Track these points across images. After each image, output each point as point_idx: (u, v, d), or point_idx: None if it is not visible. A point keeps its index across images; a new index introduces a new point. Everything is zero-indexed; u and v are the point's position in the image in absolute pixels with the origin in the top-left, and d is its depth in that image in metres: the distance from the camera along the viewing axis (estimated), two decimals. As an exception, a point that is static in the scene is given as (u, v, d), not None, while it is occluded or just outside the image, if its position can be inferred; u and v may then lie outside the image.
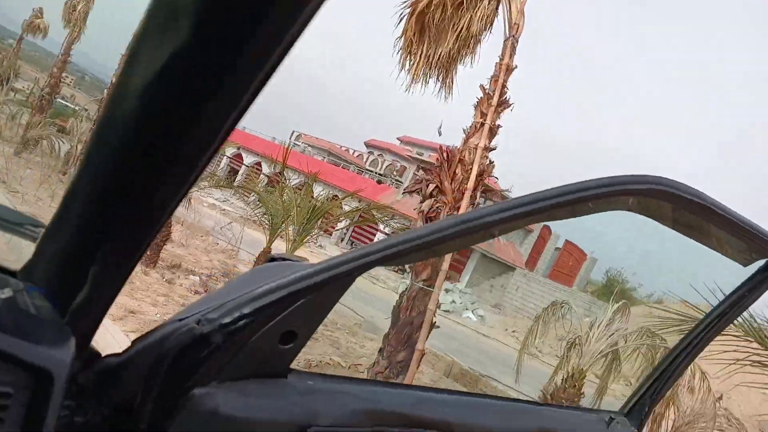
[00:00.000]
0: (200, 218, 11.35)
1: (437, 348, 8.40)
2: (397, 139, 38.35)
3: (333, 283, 0.80)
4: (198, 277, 7.51)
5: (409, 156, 32.43)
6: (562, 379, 4.40)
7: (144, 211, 0.59)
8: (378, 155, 36.10)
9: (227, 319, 0.70)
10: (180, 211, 8.85)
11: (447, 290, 20.43)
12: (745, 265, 1.34)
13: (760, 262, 1.30)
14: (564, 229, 30.17)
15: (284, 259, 0.99)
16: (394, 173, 32.29)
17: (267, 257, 1.10)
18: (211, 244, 11.04)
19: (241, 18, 0.45)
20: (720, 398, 4.18)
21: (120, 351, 0.70)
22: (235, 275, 8.53)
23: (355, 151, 38.22)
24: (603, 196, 0.99)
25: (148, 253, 6.94)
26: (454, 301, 19.27)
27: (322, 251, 21.27)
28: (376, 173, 32.14)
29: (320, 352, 5.98)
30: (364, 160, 36.28)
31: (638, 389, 1.66)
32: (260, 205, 8.27)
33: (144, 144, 0.55)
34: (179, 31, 0.47)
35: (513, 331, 18.26)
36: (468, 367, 7.78)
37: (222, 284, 7.60)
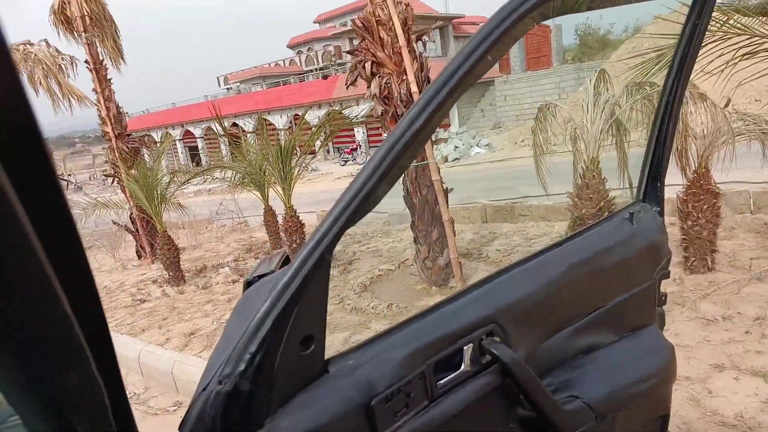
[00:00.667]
0: (194, 211, 11.22)
1: (464, 200, 8.55)
2: (315, 23, 35.74)
3: (313, 276, 0.80)
4: (226, 267, 7.62)
5: (333, 35, 30.38)
6: (581, 175, 4.44)
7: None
8: (308, 51, 34.01)
9: (242, 366, 0.72)
10: (174, 216, 8.76)
11: (445, 140, 20.30)
12: None
13: None
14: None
15: (260, 277, 1.01)
16: (333, 59, 30.58)
17: (244, 283, 1.08)
18: (219, 229, 11.07)
19: None
20: (727, 104, 4.14)
21: None
22: (254, 246, 8.64)
23: (285, 60, 36.04)
24: (506, 34, 0.93)
25: (171, 273, 7.02)
26: (456, 147, 19.22)
27: (317, 173, 21.17)
28: (316, 70, 30.53)
29: (367, 268, 6.16)
30: (299, 63, 34.31)
31: (644, 167, 1.64)
32: (235, 170, 8.08)
33: None
34: None
35: (523, 140, 18.33)
36: (498, 203, 7.94)
37: (250, 263, 7.75)
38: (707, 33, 3.44)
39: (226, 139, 8.38)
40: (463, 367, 1.05)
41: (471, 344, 1.07)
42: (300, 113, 25.37)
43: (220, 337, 0.83)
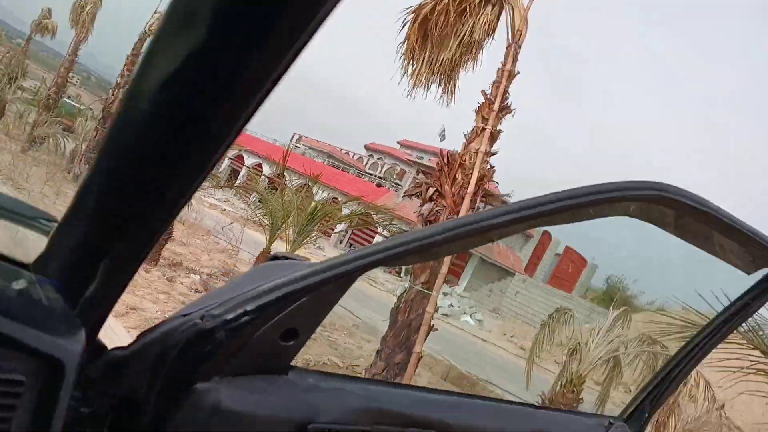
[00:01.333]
0: (201, 218, 11.39)
1: (435, 351, 8.42)
2: (398, 143, 38.43)
3: (334, 282, 0.81)
4: (198, 276, 7.54)
5: (409, 160, 32.51)
6: (561, 384, 4.43)
7: (154, 209, 0.62)
8: (378, 158, 36.16)
9: (230, 316, 0.71)
10: (182, 210, 8.86)
11: (445, 294, 20.44)
12: (748, 273, 1.31)
13: (764, 270, 1.28)
14: (565, 235, 30.19)
15: (286, 258, 1.00)
16: (394, 176, 32.34)
17: (269, 256, 1.12)
18: (212, 243, 11.08)
19: (255, 20, 0.46)
20: (723, 407, 4.19)
21: (126, 345, 0.72)
22: (234, 275, 8.56)
23: (355, 154, 38.29)
24: (604, 202, 0.99)
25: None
26: (452, 305, 19.27)
27: (321, 253, 21.32)
28: (375, 176, 32.18)
29: (318, 352, 6.01)
30: (364, 163, 36.35)
31: (638, 395, 1.64)
32: (260, 206, 8.33)
33: (156, 143, 0.58)
34: (195, 32, 0.49)
35: (511, 336, 18.26)
36: (466, 371, 7.80)
37: (222, 283, 7.65)
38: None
39: (269, 181, 8.71)
40: None
41: None
42: (339, 199, 26.31)
43: (227, 282, 0.87)
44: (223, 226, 10.92)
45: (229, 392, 0.76)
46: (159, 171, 0.59)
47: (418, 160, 30.47)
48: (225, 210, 17.20)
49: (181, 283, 6.86)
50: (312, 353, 5.94)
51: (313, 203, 7.45)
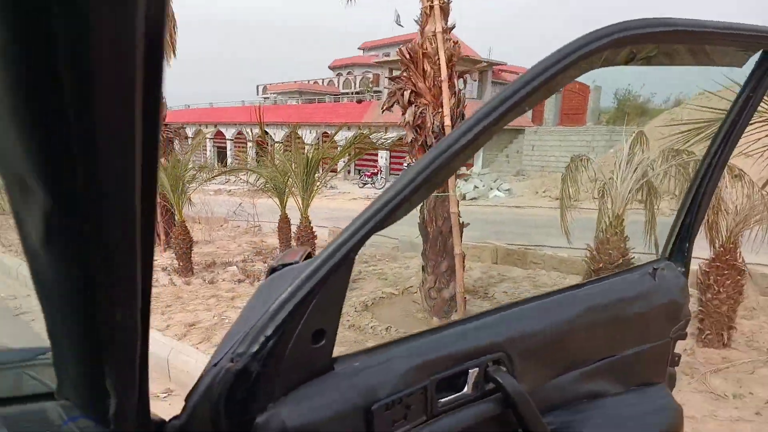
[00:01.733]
0: (212, 208, 11.36)
1: (476, 239, 8.51)
2: (359, 49, 36.63)
3: (336, 271, 0.82)
4: (235, 266, 7.65)
5: (377, 62, 31.12)
6: (602, 230, 4.41)
7: (124, 272, 0.52)
8: (347, 74, 34.76)
9: (255, 347, 0.74)
10: (191, 210, 8.87)
11: (466, 179, 20.37)
12: (741, 65, 1.31)
13: (755, 57, 1.28)
14: (557, 71, 29.06)
15: (284, 265, 1.01)
16: (370, 85, 31.20)
17: (267, 269, 1.09)
18: (233, 229, 11.16)
19: None
20: (765, 185, 4.11)
21: (178, 413, 0.74)
22: (264, 251, 8.67)
23: (324, 80, 36.86)
24: (573, 65, 0.93)
25: (181, 263, 7.06)
26: (476, 187, 19.26)
27: (335, 191, 21.35)
28: (352, 93, 31.13)
29: (371, 289, 6.13)
30: (337, 84, 35.06)
31: (674, 226, 1.62)
32: (258, 176, 8.23)
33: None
34: None
35: (544, 191, 18.30)
36: (510, 246, 7.89)
37: (257, 264, 7.77)
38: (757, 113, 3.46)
39: (255, 145, 8.58)
40: (465, 389, 1.04)
41: (476, 369, 1.06)
42: (329, 132, 25.80)
43: (237, 317, 0.84)
44: (234, 209, 10.93)
45: (288, 411, 0.79)
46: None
47: (386, 58, 29.13)
48: (230, 191, 17.13)
49: (223, 280, 6.98)
50: (366, 291, 6.07)
51: (303, 155, 7.24)
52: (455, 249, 5.12)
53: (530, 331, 1.20)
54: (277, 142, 24.22)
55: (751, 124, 3.47)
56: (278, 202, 7.92)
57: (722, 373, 3.62)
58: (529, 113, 27.46)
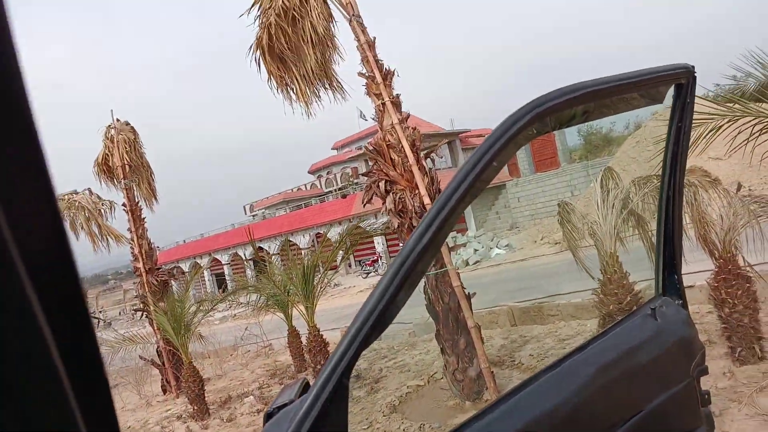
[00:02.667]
0: (219, 338, 11.16)
1: (489, 304, 8.36)
2: (333, 149, 38.19)
3: (332, 403, 0.80)
4: (251, 396, 7.35)
5: (351, 158, 32.40)
6: (602, 271, 4.37)
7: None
8: (327, 174, 35.93)
9: None
10: (198, 346, 8.68)
11: (464, 245, 20.41)
12: (662, 101, 1.41)
13: (670, 92, 1.39)
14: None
15: (280, 408, 1.02)
16: (351, 179, 32.15)
17: (264, 415, 1.07)
18: (244, 355, 10.87)
19: None
20: (739, 188, 4.16)
21: None
22: (279, 371, 8.39)
23: (307, 184, 37.99)
24: (509, 143, 1.00)
25: (195, 407, 6.77)
26: (476, 250, 19.25)
27: (340, 287, 21.18)
28: (336, 191, 31.97)
29: (395, 386, 5.88)
30: (320, 186, 36.09)
31: (657, 262, 1.63)
32: (259, 295, 8.20)
33: None
34: None
35: (542, 238, 18.30)
36: (524, 304, 7.74)
37: (275, 387, 7.49)
38: (717, 118, 3.60)
39: (252, 263, 8.69)
40: None
41: None
42: (322, 231, 26.12)
43: None
44: (242, 333, 10.74)
45: None
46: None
47: (358, 152, 30.34)
48: (235, 315, 16.93)
49: (241, 414, 6.68)
50: (391, 390, 5.81)
51: (298, 264, 7.27)
52: (468, 322, 5.00)
53: (549, 409, 1.17)
54: (274, 254, 24.41)
55: (717, 130, 3.58)
56: (284, 317, 7.83)
57: (767, 390, 3.42)
58: (506, 168, 28.19)
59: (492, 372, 4.87)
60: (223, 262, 33.14)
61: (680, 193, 1.53)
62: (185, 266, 34.56)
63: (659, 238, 1.59)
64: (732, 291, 3.91)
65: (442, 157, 28.72)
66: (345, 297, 18.34)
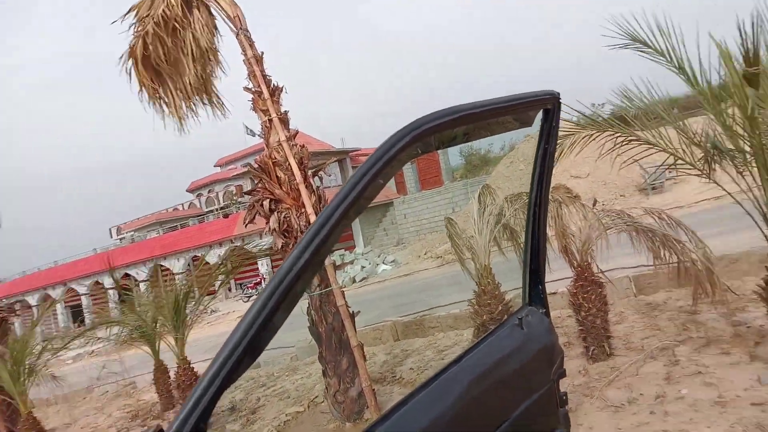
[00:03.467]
0: (72, 381, 9.79)
1: (376, 319, 8.35)
2: (215, 166, 36.40)
3: None
4: (108, 444, 6.47)
5: (235, 176, 31.11)
6: (477, 283, 4.54)
7: None
8: (209, 192, 34.06)
9: None
10: (38, 393, 7.46)
11: (351, 262, 20.45)
12: (531, 125, 1.48)
13: (538, 116, 1.47)
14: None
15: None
16: (234, 198, 30.81)
17: None
18: (100, 397, 9.60)
19: None
20: (594, 203, 4.58)
21: None
22: (142, 411, 7.52)
23: (184, 204, 35.62)
24: (390, 162, 1.01)
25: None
26: (363, 267, 19.38)
27: (218, 314, 19.95)
28: (217, 210, 30.40)
29: (273, 415, 5.53)
30: (199, 205, 34.05)
31: (524, 274, 1.71)
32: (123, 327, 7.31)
33: None
34: None
35: (425, 253, 18.98)
36: (406, 318, 7.85)
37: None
38: (582, 135, 3.90)
39: (116, 292, 7.78)
40: None
41: None
42: (199, 254, 24.50)
43: None
44: (100, 371, 9.51)
45: None
46: None
47: (243, 170, 29.22)
48: (92, 352, 15.03)
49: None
50: (269, 419, 5.45)
51: (168, 292, 6.62)
52: (351, 342, 4.88)
53: (427, 425, 1.18)
54: (142, 281, 22.30)
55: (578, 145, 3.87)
56: (150, 351, 7.05)
57: (614, 383, 3.79)
58: (393, 186, 29.05)
59: (373, 390, 4.78)
60: (80, 293, 29.57)
61: (545, 209, 1.62)
62: (33, 299, 30.39)
63: (526, 251, 1.68)
64: (587, 296, 4.27)
65: (331, 176, 28.80)
66: (222, 324, 17.28)
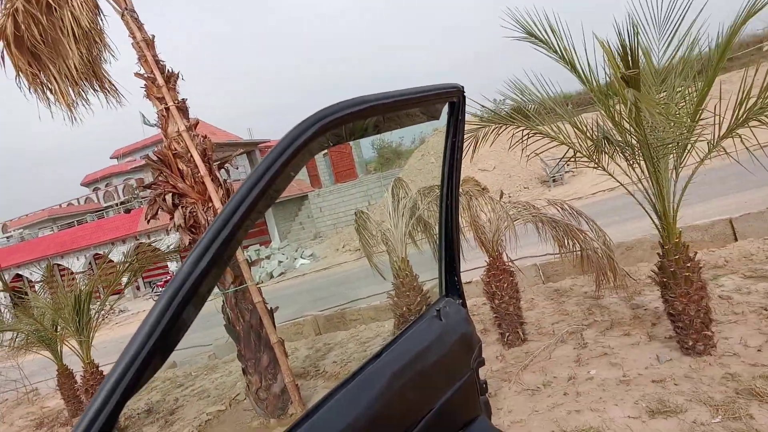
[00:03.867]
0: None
1: (296, 314, 8.27)
2: (112, 158, 33.70)
3: None
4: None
5: (134, 168, 29.05)
6: (394, 275, 4.65)
7: None
8: (106, 186, 31.50)
9: None
10: None
11: (268, 257, 19.98)
12: (438, 118, 1.47)
13: (445, 109, 1.46)
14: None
15: None
16: (136, 192, 28.75)
17: None
18: (-3, 408, 8.66)
19: None
20: (501, 196, 4.86)
21: None
22: (47, 420, 6.90)
23: (79, 198, 32.65)
24: (297, 154, 0.99)
25: None
26: (281, 262, 19.01)
27: (127, 314, 18.67)
28: (117, 205, 28.25)
29: (193, 415, 5.31)
30: (97, 200, 31.40)
31: (440, 265, 1.75)
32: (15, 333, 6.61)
33: None
34: None
35: (343, 246, 18.99)
36: (327, 312, 7.85)
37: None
38: (490, 129, 4.07)
39: (7, 295, 6.99)
40: None
41: None
42: (102, 252, 22.67)
43: None
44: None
45: None
46: None
47: (142, 161, 27.33)
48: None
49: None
50: (189, 420, 5.23)
51: (68, 298, 6.08)
52: (271, 338, 4.79)
53: (352, 421, 1.16)
54: (37, 282, 20.22)
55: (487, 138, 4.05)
56: (51, 356, 6.46)
57: (529, 367, 4.06)
58: (308, 180, 28.69)
59: (297, 385, 4.75)
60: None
61: (456, 200, 1.65)
62: None
63: (440, 243, 1.69)
64: (500, 284, 4.52)
65: (239, 168, 27.74)
66: (132, 324, 16.18)
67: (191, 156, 4.72)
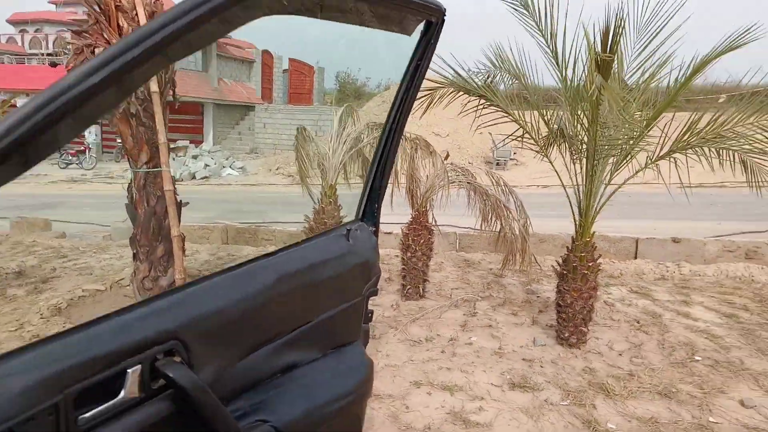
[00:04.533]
0: None
1: (207, 219, 8.00)
2: (50, 3, 30.15)
3: None
4: None
5: (74, 20, 26.17)
6: (320, 201, 4.55)
7: None
8: (35, 32, 28.26)
9: None
10: None
11: (195, 157, 19.09)
12: (410, 34, 1.38)
13: (420, 27, 1.37)
14: (285, 49, 29.62)
15: None
16: (68, 48, 26.08)
17: None
18: None
19: None
20: (446, 156, 4.84)
21: None
22: None
23: (3, 36, 29.13)
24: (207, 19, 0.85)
25: None
26: (207, 165, 18.22)
27: (24, 177, 17.21)
28: (43, 55, 25.53)
29: (67, 288, 5.02)
30: (21, 43, 28.19)
31: (365, 189, 1.70)
32: None
33: None
34: None
35: (278, 169, 18.52)
36: (242, 224, 7.65)
37: None
38: (446, 96, 3.94)
39: None
40: (123, 394, 0.89)
41: (138, 366, 0.92)
42: (15, 101, 20.51)
43: None
44: None
45: None
46: None
47: (84, 16, 24.67)
48: None
49: None
50: (63, 291, 4.94)
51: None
52: (173, 231, 4.56)
53: (211, 311, 1.09)
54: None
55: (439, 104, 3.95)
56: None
57: (419, 321, 4.21)
58: (259, 90, 27.31)
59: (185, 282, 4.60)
60: None
61: (401, 130, 1.58)
62: None
63: (372, 168, 1.63)
64: (417, 239, 4.57)
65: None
66: (29, 185, 15.00)
67: (136, 14, 4.24)
